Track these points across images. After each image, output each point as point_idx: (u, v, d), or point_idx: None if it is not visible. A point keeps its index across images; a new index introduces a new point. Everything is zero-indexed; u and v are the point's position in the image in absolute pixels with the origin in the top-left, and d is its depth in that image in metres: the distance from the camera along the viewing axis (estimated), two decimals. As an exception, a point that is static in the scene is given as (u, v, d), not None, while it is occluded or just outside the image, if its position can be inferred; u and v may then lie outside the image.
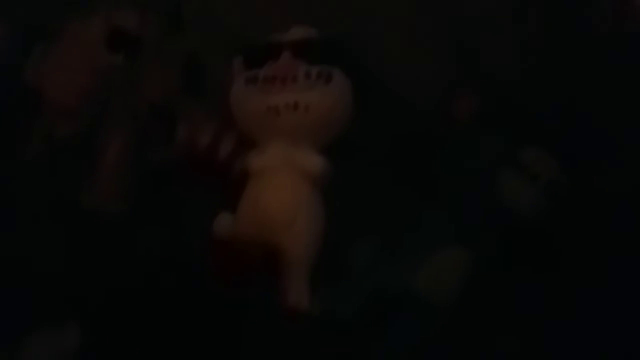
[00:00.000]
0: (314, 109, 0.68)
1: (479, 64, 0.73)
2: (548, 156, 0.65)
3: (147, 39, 0.77)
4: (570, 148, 0.67)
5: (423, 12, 0.76)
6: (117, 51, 0.75)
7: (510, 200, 0.64)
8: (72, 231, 0.74)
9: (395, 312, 0.63)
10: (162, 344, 0.60)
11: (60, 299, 0.69)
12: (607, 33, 0.72)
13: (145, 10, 0.77)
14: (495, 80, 0.72)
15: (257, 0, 0.79)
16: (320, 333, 0.64)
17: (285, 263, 0.67)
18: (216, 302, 0.64)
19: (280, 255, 0.67)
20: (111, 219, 0.74)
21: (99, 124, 0.76)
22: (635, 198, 0.67)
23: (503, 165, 0.65)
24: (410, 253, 0.65)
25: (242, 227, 0.69)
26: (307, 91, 0.68)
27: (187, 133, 0.76)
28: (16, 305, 0.68)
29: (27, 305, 0.69)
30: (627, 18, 0.71)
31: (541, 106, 0.69)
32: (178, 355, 0.61)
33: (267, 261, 0.66)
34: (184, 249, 0.71)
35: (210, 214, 0.72)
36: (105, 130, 0.76)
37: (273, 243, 0.67)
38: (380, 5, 0.76)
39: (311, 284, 0.67)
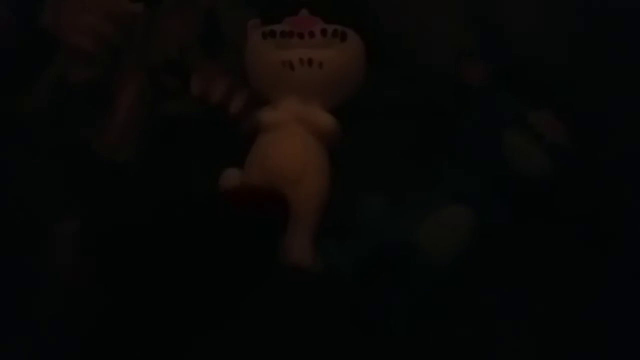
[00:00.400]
0: (328, 65, 0.69)
1: (493, 28, 0.74)
2: (555, 119, 0.66)
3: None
4: (579, 114, 0.68)
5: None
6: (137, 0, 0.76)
7: (515, 160, 0.65)
8: (79, 173, 0.74)
9: (398, 266, 0.63)
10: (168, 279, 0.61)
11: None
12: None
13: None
14: (509, 44, 0.73)
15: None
16: (322, 287, 0.64)
17: (291, 217, 0.68)
18: (223, 243, 0.63)
19: (287, 207, 0.67)
20: (120, 165, 0.75)
21: (114, 72, 0.77)
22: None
23: (511, 126, 0.65)
24: (414, 210, 0.65)
25: (250, 181, 0.70)
26: (322, 48, 0.69)
27: (200, 87, 0.77)
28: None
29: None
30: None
31: (553, 72, 0.71)
32: (182, 290, 0.61)
33: (274, 209, 0.66)
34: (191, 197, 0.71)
35: (220, 168, 0.72)
36: (120, 79, 0.77)
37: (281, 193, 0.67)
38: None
39: (315, 239, 0.67)
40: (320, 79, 0.70)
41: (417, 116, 0.74)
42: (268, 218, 0.65)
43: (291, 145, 0.69)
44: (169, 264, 0.61)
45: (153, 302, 0.60)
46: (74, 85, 0.76)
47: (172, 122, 0.79)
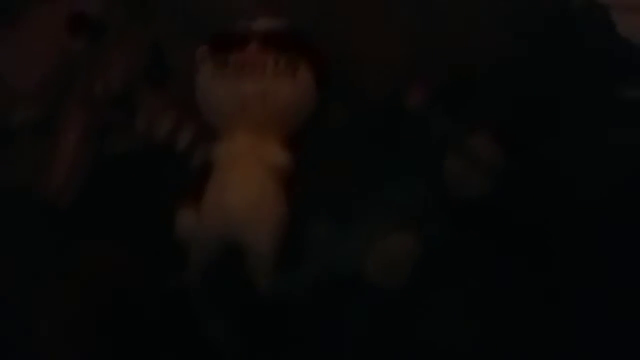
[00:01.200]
0: (282, 99, 0.68)
1: (432, 49, 0.74)
2: (491, 141, 0.66)
3: (111, 25, 0.75)
4: (516, 132, 0.68)
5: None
6: (79, 36, 0.74)
7: (455, 184, 0.66)
8: (23, 219, 0.71)
9: (345, 295, 0.64)
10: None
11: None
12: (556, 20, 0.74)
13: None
14: (448, 66, 0.73)
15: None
16: (271, 315, 0.64)
17: (251, 255, 0.66)
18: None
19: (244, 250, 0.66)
20: (64, 209, 0.72)
21: (57, 111, 0.74)
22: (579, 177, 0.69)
23: (449, 149, 0.66)
24: (359, 237, 0.65)
25: (206, 223, 0.68)
26: (275, 81, 0.67)
27: (145, 123, 0.74)
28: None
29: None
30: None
31: (489, 92, 0.70)
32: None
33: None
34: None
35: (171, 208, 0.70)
36: (64, 118, 0.74)
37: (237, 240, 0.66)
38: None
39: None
40: (274, 113, 0.68)
41: (360, 141, 0.73)
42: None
43: (245, 187, 0.67)
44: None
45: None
46: (17, 126, 0.73)
47: (119, 159, 0.76)
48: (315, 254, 0.65)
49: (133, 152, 0.76)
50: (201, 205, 0.68)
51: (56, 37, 0.73)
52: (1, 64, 0.74)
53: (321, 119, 0.73)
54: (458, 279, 0.65)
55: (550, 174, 0.68)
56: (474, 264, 0.66)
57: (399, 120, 0.69)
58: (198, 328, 0.67)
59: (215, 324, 0.67)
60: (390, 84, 0.72)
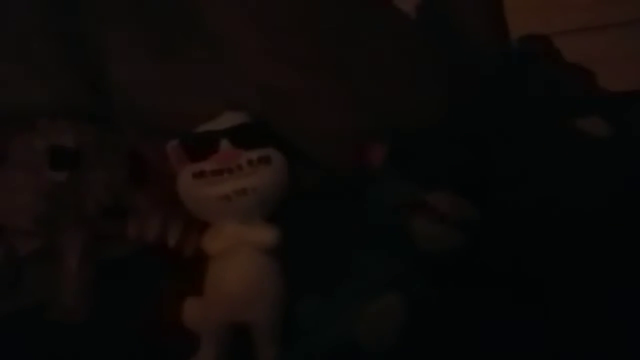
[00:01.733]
0: (261, 190, 0.73)
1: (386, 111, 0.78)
2: (452, 195, 0.69)
3: (86, 150, 0.79)
4: (477, 184, 0.71)
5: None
6: (60, 169, 0.77)
7: (426, 243, 0.68)
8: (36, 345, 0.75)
9: None
10: None
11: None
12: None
13: (78, 121, 0.80)
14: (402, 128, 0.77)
15: (181, 87, 0.82)
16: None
17: (256, 334, 0.71)
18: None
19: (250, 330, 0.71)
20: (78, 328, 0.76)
21: (57, 236, 0.78)
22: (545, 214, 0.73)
23: (413, 211, 0.68)
24: (346, 306, 0.68)
25: (211, 310, 0.72)
26: (252, 176, 0.72)
27: (135, 229, 0.79)
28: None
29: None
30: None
31: (445, 150, 0.74)
32: None
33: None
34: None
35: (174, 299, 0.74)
36: (61, 242, 0.78)
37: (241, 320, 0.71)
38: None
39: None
40: (256, 202, 0.73)
41: (331, 208, 0.77)
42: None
43: (244, 270, 0.72)
44: None
45: None
46: (23, 258, 0.77)
47: (118, 264, 0.81)
48: (308, 330, 0.69)
49: (131, 256, 0.81)
50: (204, 295, 0.73)
51: (38, 173, 0.77)
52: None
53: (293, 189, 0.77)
54: (446, 331, 0.68)
55: (520, 215, 0.71)
56: (460, 315, 0.69)
57: (361, 182, 0.73)
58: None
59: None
60: (345, 151, 0.77)
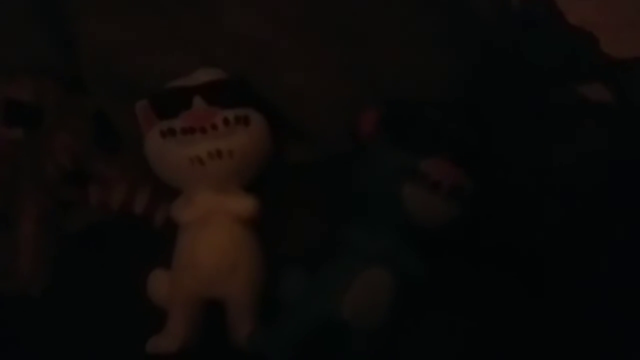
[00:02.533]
0: (238, 153, 0.66)
1: (381, 77, 0.72)
2: (448, 162, 0.63)
3: (47, 106, 0.72)
4: (471, 153, 0.65)
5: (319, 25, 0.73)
6: (16, 125, 0.71)
7: (418, 213, 0.63)
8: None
9: (328, 345, 0.62)
10: None
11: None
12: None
13: (40, 77, 0.73)
14: (396, 93, 0.72)
15: (156, 44, 0.75)
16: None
17: (231, 310, 0.66)
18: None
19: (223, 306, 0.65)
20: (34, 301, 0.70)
21: (11, 203, 0.71)
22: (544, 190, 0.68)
23: (405, 178, 0.62)
24: (332, 281, 0.63)
25: (180, 284, 0.66)
26: (228, 137, 0.65)
27: (98, 196, 0.73)
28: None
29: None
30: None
31: (439, 117, 0.68)
32: None
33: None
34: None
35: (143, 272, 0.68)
36: (17, 207, 0.71)
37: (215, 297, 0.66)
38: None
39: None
40: (233, 167, 0.66)
41: (320, 179, 0.72)
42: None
43: (214, 245, 0.66)
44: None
45: None
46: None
47: (81, 235, 0.74)
48: (289, 306, 0.64)
49: (96, 226, 0.74)
50: (172, 267, 0.67)
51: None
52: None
53: (278, 158, 0.72)
54: (439, 309, 0.64)
55: (517, 187, 0.67)
56: (452, 292, 0.65)
57: (353, 154, 0.67)
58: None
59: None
60: (336, 119, 0.71)
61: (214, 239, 0.66)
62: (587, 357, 0.62)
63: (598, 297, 0.64)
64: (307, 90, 0.71)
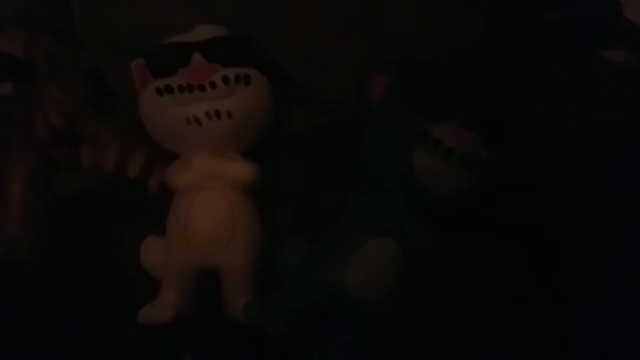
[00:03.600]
0: (238, 114, 0.62)
1: (388, 40, 0.67)
2: (462, 128, 0.58)
3: (38, 61, 0.68)
4: (488, 119, 0.61)
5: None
6: (5, 79, 0.67)
7: (428, 181, 0.58)
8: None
9: (328, 316, 0.59)
10: None
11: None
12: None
13: (32, 30, 0.69)
14: (406, 55, 0.66)
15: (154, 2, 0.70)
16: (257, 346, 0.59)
17: (227, 281, 0.62)
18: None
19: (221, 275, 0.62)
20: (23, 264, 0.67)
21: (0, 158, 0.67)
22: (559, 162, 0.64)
23: (416, 144, 0.58)
24: (334, 252, 0.59)
25: (174, 252, 0.62)
26: (228, 97, 0.61)
27: (90, 157, 0.69)
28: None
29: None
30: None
31: (454, 79, 0.64)
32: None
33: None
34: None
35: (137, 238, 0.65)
36: (7, 166, 0.67)
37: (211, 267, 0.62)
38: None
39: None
40: (231, 129, 0.62)
41: (324, 145, 0.68)
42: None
43: (212, 212, 0.62)
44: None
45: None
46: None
47: (73, 198, 0.70)
48: (290, 279, 0.60)
49: (88, 189, 0.70)
50: (167, 234, 0.63)
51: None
52: None
53: (281, 124, 0.68)
54: (446, 285, 0.61)
55: (532, 159, 0.63)
56: (461, 267, 0.61)
57: (361, 119, 0.63)
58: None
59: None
60: (345, 83, 0.66)
61: (210, 205, 0.62)
62: (598, 335, 0.59)
63: (614, 275, 0.60)
64: (311, 50, 0.66)
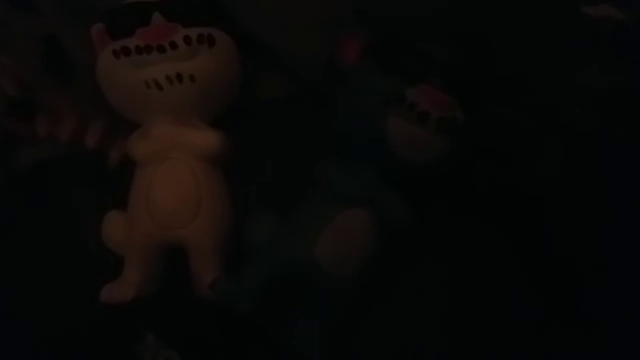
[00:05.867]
0: (201, 78, 0.57)
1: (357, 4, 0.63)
2: (438, 91, 0.54)
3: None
4: (465, 82, 0.57)
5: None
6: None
7: (403, 146, 0.54)
8: None
9: (299, 292, 0.55)
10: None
11: None
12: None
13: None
14: (380, 16, 0.62)
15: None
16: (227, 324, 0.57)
17: (193, 256, 0.58)
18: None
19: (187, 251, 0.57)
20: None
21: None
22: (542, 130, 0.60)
23: (391, 107, 0.53)
24: (305, 224, 0.55)
25: (136, 227, 0.58)
26: (190, 59, 0.56)
27: (46, 128, 0.63)
28: None
29: None
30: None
31: (429, 41, 0.59)
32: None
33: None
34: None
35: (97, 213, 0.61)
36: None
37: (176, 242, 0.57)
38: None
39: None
40: (195, 94, 0.57)
41: (295, 113, 0.64)
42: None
43: (174, 184, 0.57)
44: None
45: None
46: None
47: (28, 172, 0.65)
48: (258, 253, 0.56)
49: (44, 162, 0.65)
50: (128, 208, 0.59)
51: None
52: None
53: (249, 91, 0.63)
54: (422, 257, 0.57)
55: (511, 125, 0.59)
56: (438, 240, 0.58)
57: (333, 84, 0.58)
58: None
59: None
60: (315, 45, 0.61)
61: (173, 177, 0.58)
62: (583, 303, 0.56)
63: (598, 243, 0.57)
64: (281, 10, 0.61)
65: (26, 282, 0.60)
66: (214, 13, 0.59)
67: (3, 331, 0.59)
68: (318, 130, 0.61)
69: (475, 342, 0.57)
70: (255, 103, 0.65)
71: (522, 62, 0.60)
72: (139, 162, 0.59)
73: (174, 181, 0.57)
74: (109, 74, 0.58)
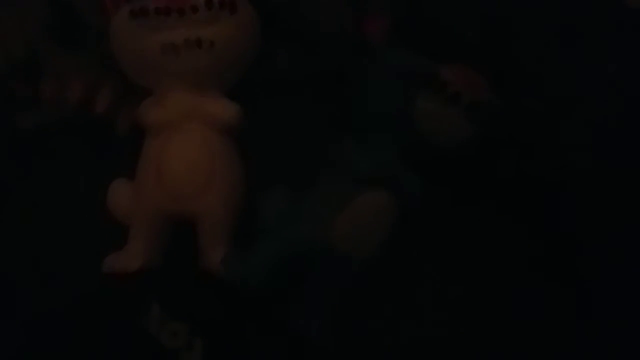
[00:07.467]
0: (220, 44, 0.54)
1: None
2: (473, 72, 0.52)
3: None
4: (495, 64, 0.55)
5: None
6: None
7: (429, 127, 0.52)
8: None
9: (311, 270, 0.53)
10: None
11: None
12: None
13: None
14: None
15: None
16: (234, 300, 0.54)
17: (203, 229, 0.55)
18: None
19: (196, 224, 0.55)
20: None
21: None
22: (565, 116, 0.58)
23: (419, 87, 0.51)
24: (322, 203, 0.53)
25: (144, 196, 0.55)
26: (211, 24, 0.53)
27: (51, 91, 0.60)
28: None
29: None
30: None
31: (461, 19, 0.58)
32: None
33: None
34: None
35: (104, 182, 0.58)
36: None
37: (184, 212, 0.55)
38: None
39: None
40: (213, 62, 0.54)
41: (317, 89, 0.61)
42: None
43: (190, 150, 0.55)
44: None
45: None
46: None
47: (35, 135, 0.62)
48: (271, 229, 0.53)
49: (50, 126, 0.62)
50: (137, 177, 0.56)
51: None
52: None
53: (268, 64, 0.61)
54: (440, 242, 0.55)
55: (537, 113, 0.56)
56: (459, 224, 0.55)
57: (359, 56, 0.56)
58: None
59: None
60: (340, 20, 0.59)
61: (187, 146, 0.55)
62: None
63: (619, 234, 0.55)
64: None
65: (28, 250, 0.58)
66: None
67: (6, 302, 0.56)
68: (335, 108, 0.58)
69: (487, 334, 0.55)
70: (272, 77, 0.62)
71: (547, 51, 0.57)
72: (150, 130, 0.56)
73: (187, 151, 0.55)
74: (124, 37, 0.55)
